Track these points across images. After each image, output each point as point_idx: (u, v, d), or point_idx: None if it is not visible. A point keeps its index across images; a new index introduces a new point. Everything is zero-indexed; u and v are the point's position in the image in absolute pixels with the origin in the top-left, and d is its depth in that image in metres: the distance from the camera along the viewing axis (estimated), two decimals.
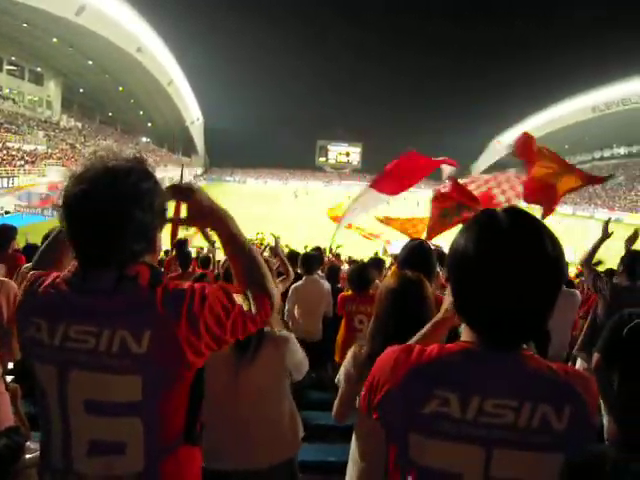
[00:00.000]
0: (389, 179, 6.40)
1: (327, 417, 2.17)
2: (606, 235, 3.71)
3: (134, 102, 64.70)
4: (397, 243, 9.01)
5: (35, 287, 1.18)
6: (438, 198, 5.71)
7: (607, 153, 75.15)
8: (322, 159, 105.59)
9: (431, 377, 0.97)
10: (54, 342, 1.11)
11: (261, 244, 17.81)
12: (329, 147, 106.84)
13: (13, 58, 44.69)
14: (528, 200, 5.46)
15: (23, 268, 2.84)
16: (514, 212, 0.97)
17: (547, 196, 5.18)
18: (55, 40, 41.30)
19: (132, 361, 1.09)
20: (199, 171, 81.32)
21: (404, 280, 1.87)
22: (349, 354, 1.91)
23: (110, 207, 1.09)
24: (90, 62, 48.27)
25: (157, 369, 1.11)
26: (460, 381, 0.95)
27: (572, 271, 10.17)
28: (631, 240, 3.85)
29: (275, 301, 1.30)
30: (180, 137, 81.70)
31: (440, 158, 6.24)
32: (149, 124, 73.78)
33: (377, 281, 4.05)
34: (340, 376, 1.92)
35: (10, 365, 3.13)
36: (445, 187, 5.62)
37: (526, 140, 5.27)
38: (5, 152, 30.86)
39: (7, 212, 24.51)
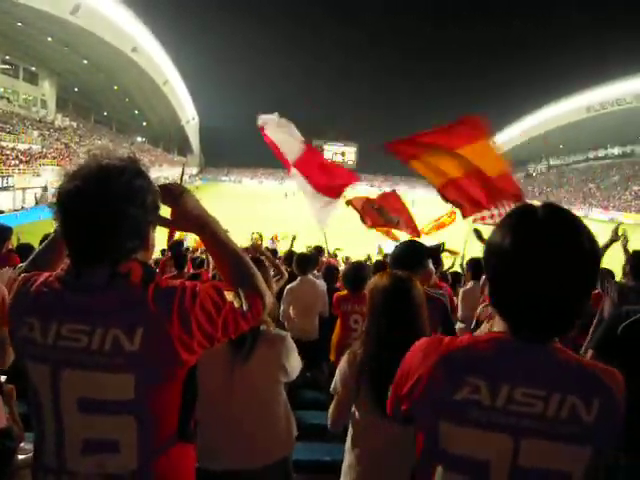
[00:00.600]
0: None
1: (321, 416, 2.17)
2: (615, 238, 3.73)
3: (129, 101, 64.46)
4: (391, 243, 9.06)
5: (27, 286, 1.18)
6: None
7: (601, 153, 75.35)
8: None
9: (462, 364, 0.99)
10: (47, 341, 1.11)
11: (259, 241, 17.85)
12: (325, 147, 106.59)
13: (7, 57, 44.34)
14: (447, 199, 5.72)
15: (16, 269, 2.83)
16: (551, 206, 0.99)
17: (467, 191, 5.32)
18: (50, 39, 41.04)
19: (125, 359, 1.09)
20: (194, 171, 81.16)
21: (394, 279, 1.88)
22: (343, 360, 1.91)
23: (103, 204, 1.09)
24: (85, 61, 48.00)
25: (150, 367, 1.11)
26: (490, 369, 0.97)
27: None
28: (615, 240, 3.89)
29: (267, 300, 1.30)
30: (175, 137, 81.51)
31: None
32: (144, 123, 73.53)
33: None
34: (336, 383, 1.92)
35: None
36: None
37: (395, 144, 5.55)
38: None
39: (1, 212, 24.34)
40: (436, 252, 2.82)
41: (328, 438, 3.22)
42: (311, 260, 5.11)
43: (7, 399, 2.31)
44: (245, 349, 1.89)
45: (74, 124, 54.89)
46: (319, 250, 8.73)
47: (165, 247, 7.18)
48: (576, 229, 0.95)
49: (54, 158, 36.85)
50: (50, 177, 29.59)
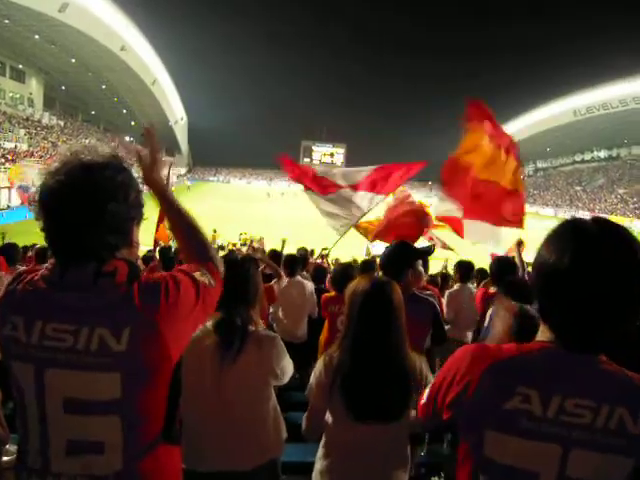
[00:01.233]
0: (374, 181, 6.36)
1: None
2: None
3: (117, 101, 63.96)
4: (379, 245, 9.02)
5: (15, 285, 1.16)
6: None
7: (588, 156, 76.19)
8: (306, 160, 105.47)
9: (513, 373, 0.99)
10: (31, 340, 1.10)
11: (244, 243, 17.82)
12: (313, 148, 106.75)
13: None
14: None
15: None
16: (603, 221, 0.99)
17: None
18: (37, 37, 40.67)
19: (112, 358, 1.08)
20: (182, 171, 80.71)
21: (373, 283, 1.84)
22: (319, 363, 1.87)
23: (85, 199, 1.09)
24: (73, 60, 47.60)
25: (137, 365, 1.11)
26: (542, 379, 0.97)
27: None
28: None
29: (218, 264, 1.36)
30: (164, 136, 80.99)
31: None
32: (132, 123, 72.95)
33: None
34: (311, 386, 1.88)
35: None
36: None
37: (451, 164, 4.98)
38: None
39: None
40: (426, 254, 2.82)
41: (317, 439, 3.22)
42: (299, 261, 5.10)
43: None
44: (233, 349, 1.87)
45: (61, 123, 54.39)
46: (304, 252, 8.69)
47: (151, 247, 7.11)
48: (631, 246, 0.94)
49: (41, 157, 36.43)
50: (36, 176, 29.17)
